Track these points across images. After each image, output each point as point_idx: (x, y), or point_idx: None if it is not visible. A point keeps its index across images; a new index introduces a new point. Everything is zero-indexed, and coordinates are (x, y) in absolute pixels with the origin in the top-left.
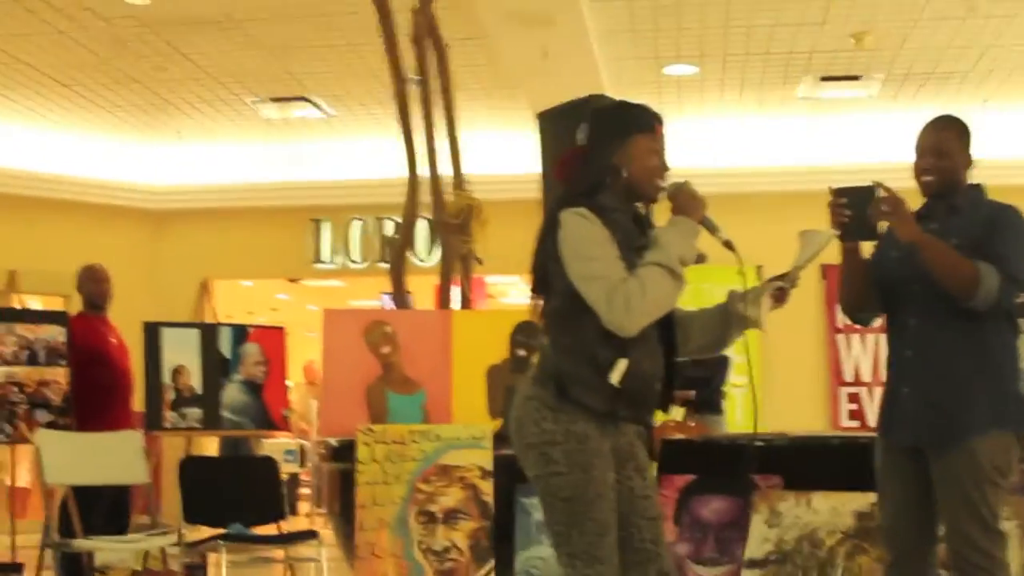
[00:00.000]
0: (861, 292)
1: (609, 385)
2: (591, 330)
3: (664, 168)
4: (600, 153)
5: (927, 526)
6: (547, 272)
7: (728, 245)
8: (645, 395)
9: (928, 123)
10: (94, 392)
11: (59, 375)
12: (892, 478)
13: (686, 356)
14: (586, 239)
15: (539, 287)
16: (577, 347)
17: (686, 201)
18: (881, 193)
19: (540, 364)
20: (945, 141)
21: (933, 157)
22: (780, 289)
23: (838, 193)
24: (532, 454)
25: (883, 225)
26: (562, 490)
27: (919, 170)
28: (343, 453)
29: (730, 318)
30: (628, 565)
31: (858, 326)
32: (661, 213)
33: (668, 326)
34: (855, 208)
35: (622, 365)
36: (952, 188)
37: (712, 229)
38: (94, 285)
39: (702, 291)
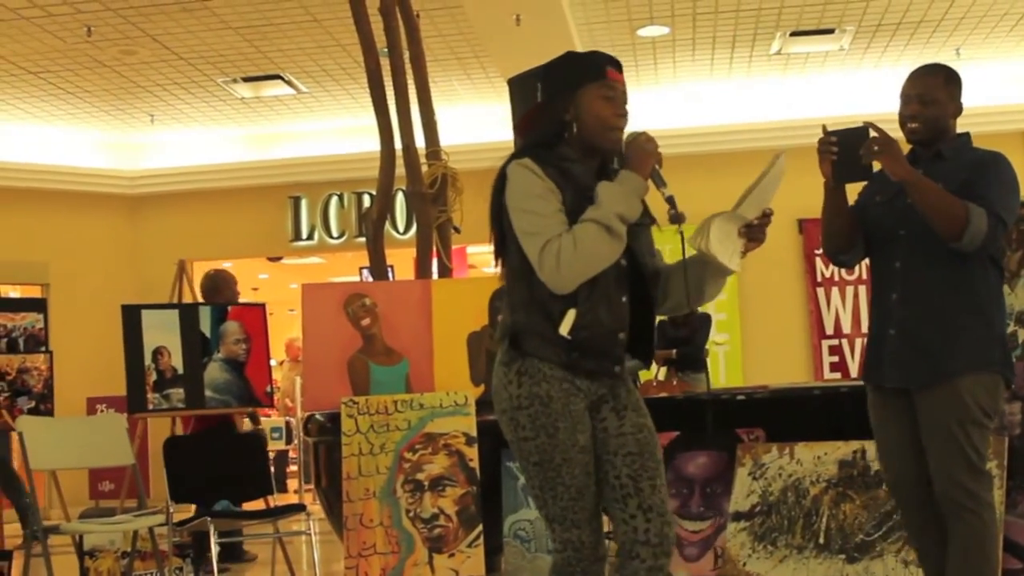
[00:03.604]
0: (844, 233)
1: (562, 336)
2: (542, 282)
3: (618, 115)
4: (551, 107)
5: (927, 467)
6: (503, 227)
7: (670, 201)
8: (602, 345)
9: (914, 71)
10: None
11: (39, 362)
12: (885, 423)
13: (668, 312)
14: (526, 193)
15: (499, 245)
16: (530, 300)
17: (635, 154)
18: (873, 133)
19: (500, 322)
20: (931, 88)
21: (918, 104)
22: (749, 226)
23: (830, 135)
24: (504, 419)
25: (876, 165)
26: (531, 454)
27: (904, 118)
28: (328, 426)
29: (706, 266)
30: (607, 502)
31: (840, 270)
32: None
33: (638, 278)
34: (847, 149)
35: (571, 316)
36: (938, 136)
37: (658, 183)
38: (229, 289)
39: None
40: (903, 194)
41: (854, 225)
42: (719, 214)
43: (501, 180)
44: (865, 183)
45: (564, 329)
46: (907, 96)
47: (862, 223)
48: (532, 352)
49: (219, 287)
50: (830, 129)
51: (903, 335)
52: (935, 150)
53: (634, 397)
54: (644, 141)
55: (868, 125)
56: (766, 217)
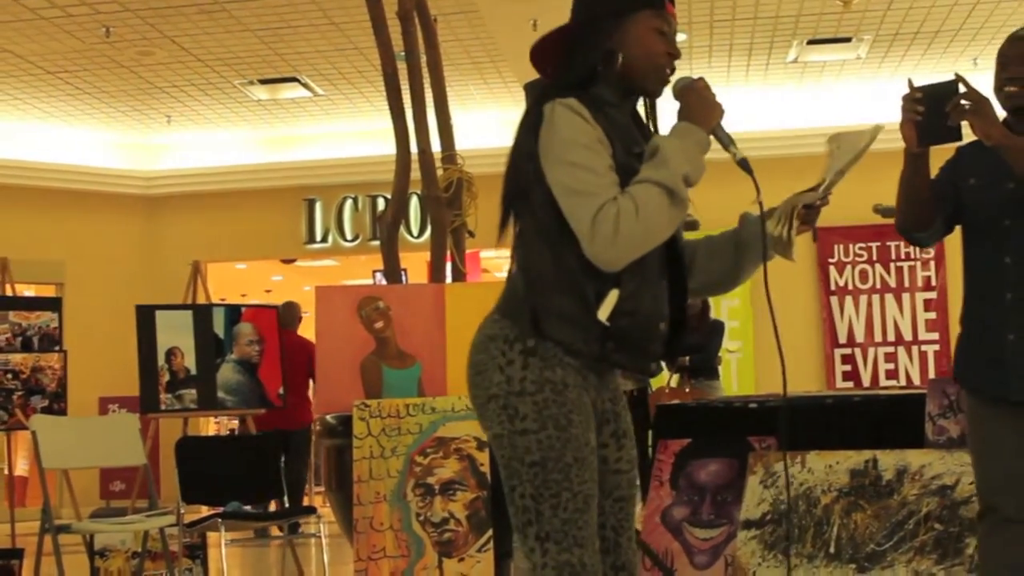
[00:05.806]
0: (925, 207)
1: (597, 322)
2: (576, 253)
3: (672, 54)
4: (594, 32)
5: None
6: (525, 178)
7: (743, 165)
8: (644, 337)
9: (1013, 34)
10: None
11: (53, 361)
12: (994, 439)
13: (691, 294)
14: (574, 141)
15: (513, 198)
16: (557, 275)
17: (695, 103)
18: (962, 89)
19: (506, 295)
20: None
21: (1019, 66)
22: (809, 207)
23: (916, 90)
24: (493, 406)
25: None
26: (530, 452)
27: (1003, 81)
28: (339, 429)
29: (744, 246)
30: None
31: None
32: None
33: (675, 256)
34: (933, 107)
35: (612, 297)
36: None
37: (725, 143)
38: (296, 317)
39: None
40: (1005, 178)
41: (935, 200)
42: (802, 193)
43: (534, 119)
44: (949, 159)
45: (603, 314)
46: (1005, 57)
47: (955, 207)
48: (554, 336)
49: (296, 314)
50: (915, 84)
51: None
52: None
53: (629, 417)
54: (703, 88)
55: (958, 79)
56: (826, 200)
